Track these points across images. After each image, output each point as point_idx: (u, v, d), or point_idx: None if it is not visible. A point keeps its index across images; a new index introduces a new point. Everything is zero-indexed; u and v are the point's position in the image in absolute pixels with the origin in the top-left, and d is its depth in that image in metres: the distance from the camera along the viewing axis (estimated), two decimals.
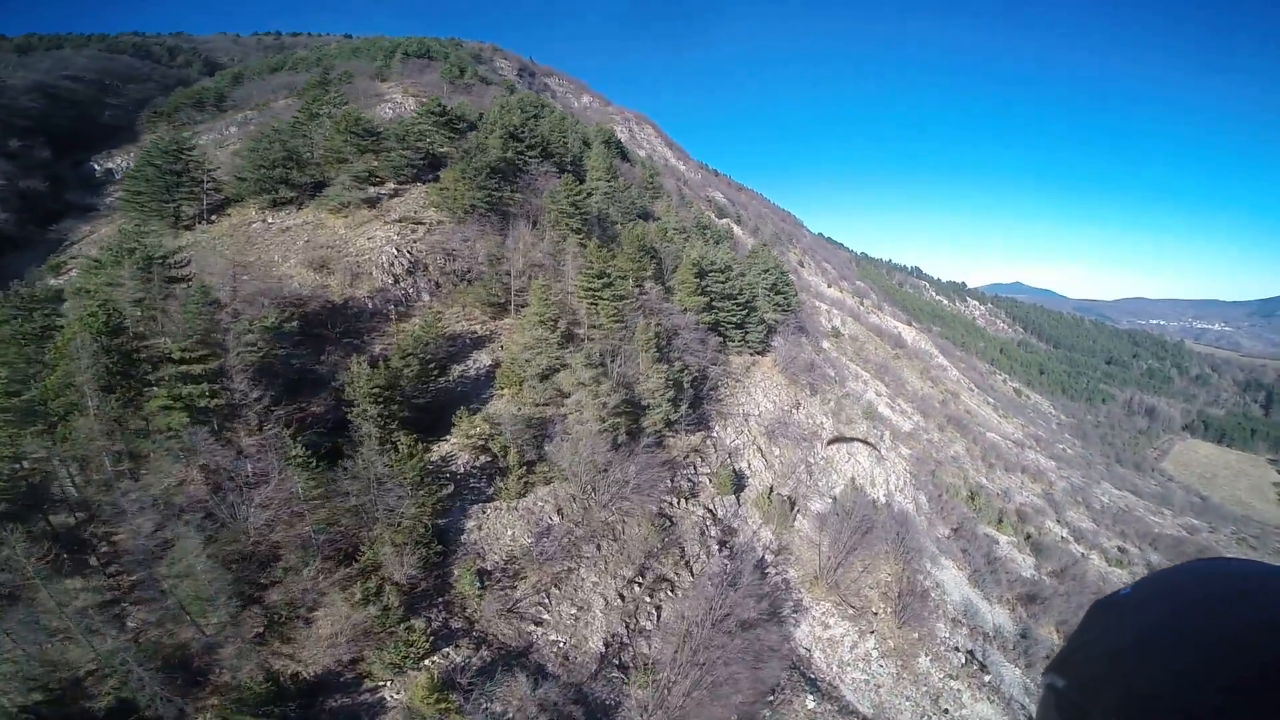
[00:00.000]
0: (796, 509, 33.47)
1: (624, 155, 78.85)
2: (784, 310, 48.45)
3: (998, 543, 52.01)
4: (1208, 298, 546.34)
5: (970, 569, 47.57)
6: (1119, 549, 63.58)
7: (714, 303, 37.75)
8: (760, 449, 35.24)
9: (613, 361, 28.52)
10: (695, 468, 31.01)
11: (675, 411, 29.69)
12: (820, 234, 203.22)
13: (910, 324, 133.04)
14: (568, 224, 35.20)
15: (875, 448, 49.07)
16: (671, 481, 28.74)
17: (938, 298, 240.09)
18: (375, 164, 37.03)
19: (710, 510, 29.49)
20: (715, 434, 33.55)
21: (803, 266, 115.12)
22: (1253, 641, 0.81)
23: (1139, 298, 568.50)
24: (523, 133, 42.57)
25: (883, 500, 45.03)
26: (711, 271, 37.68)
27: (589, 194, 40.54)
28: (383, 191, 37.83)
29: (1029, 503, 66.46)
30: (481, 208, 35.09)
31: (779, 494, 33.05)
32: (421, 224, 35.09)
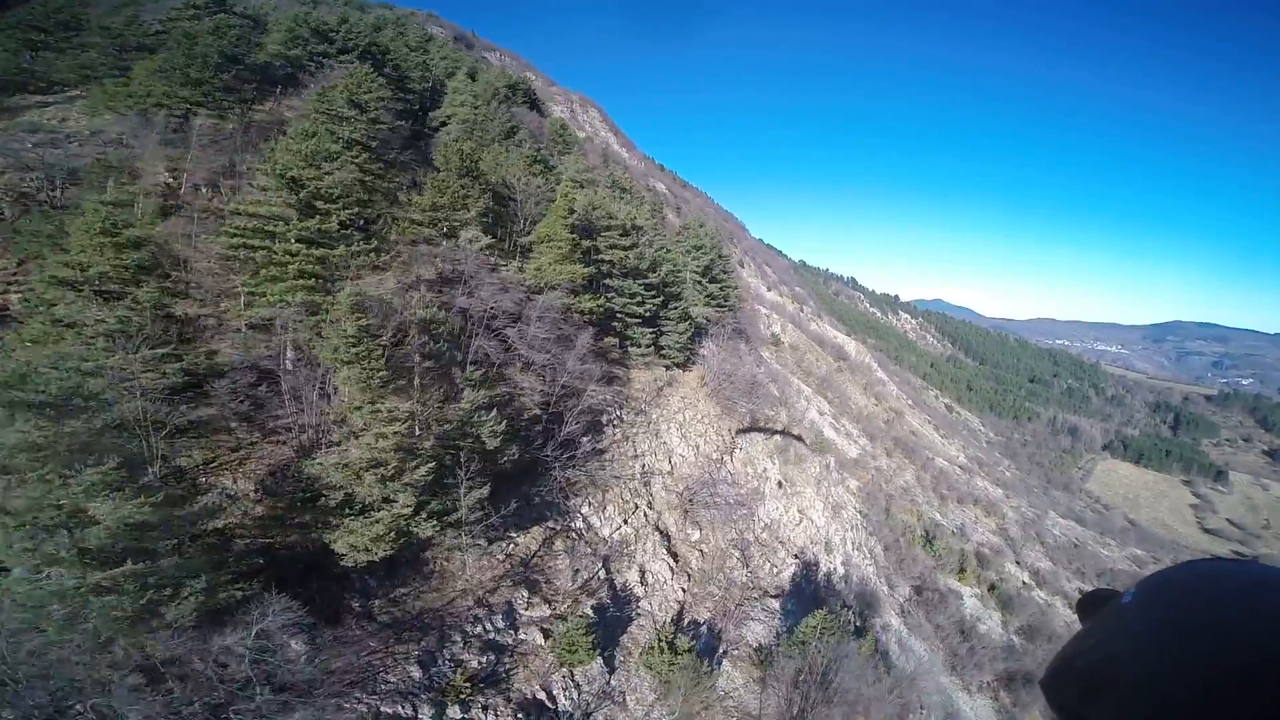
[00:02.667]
0: (721, 651, 20.47)
1: (536, 108, 65.53)
2: (721, 306, 36.31)
3: (962, 599, 46.08)
4: (1107, 321, 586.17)
5: (945, 649, 38.48)
6: (1080, 591, 57.79)
7: (607, 280, 24.80)
8: (667, 537, 22.57)
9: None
10: (513, 613, 16.35)
11: (447, 502, 14.70)
12: (760, 239, 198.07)
13: (850, 335, 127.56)
14: (329, 131, 20.88)
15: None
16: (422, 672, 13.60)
17: (871, 309, 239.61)
18: None
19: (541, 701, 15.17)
20: (580, 524, 20.28)
21: (743, 267, 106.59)
22: (1243, 639, 0.82)
23: (1049, 318, 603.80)
24: (335, 32, 28.34)
25: (840, 570, 34.14)
26: (607, 230, 24.68)
27: (410, 106, 26.65)
28: None
29: (987, 542, 60.36)
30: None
31: (692, 624, 20.26)
32: None
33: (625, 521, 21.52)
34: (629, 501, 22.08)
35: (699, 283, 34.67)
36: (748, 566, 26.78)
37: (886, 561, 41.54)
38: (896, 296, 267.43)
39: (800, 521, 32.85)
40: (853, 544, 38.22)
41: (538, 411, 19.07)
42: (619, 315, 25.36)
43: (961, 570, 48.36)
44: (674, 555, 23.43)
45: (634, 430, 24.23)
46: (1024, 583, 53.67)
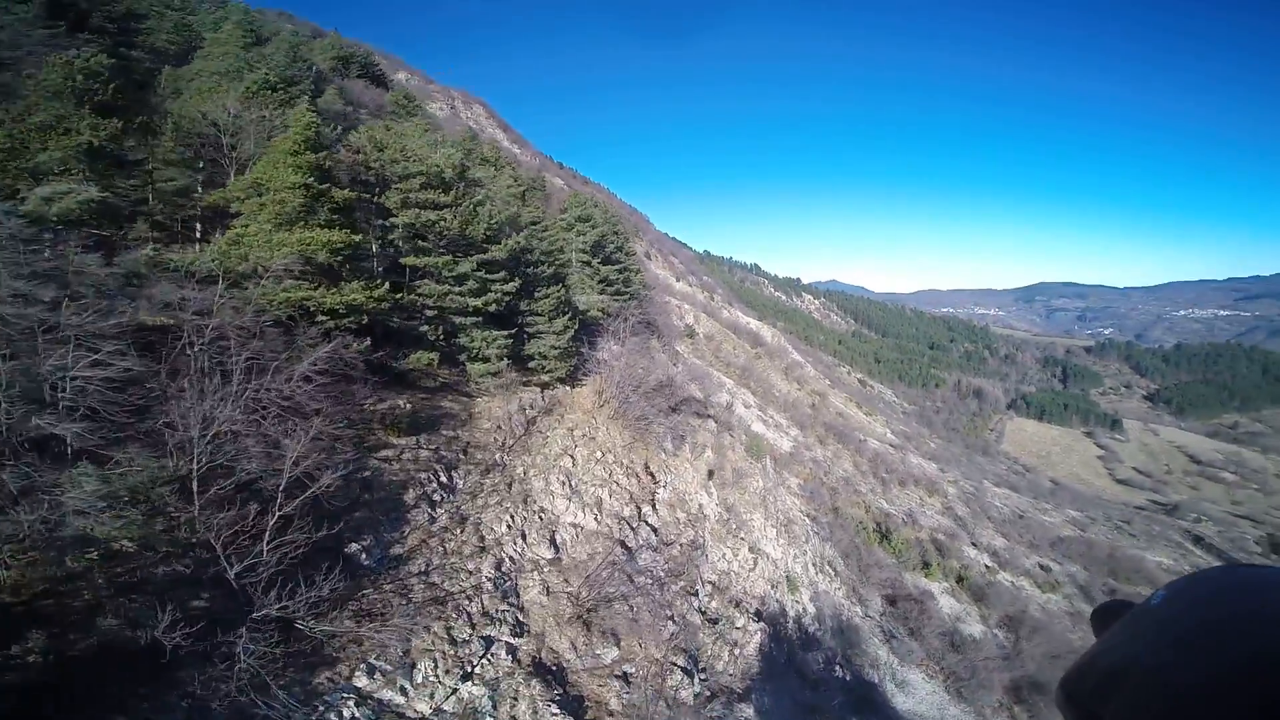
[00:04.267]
0: None
1: (378, 81, 54.18)
2: (620, 293, 26.89)
3: (935, 598, 40.32)
4: (983, 287, 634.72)
5: (942, 672, 31.77)
6: (1041, 567, 54.62)
7: (404, 259, 14.58)
8: (559, 676, 12.92)
9: None
10: None
11: None
12: (665, 232, 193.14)
13: (763, 320, 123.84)
14: None
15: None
16: None
17: (776, 294, 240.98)
18: None
19: None
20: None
21: (650, 259, 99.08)
22: (1256, 629, 0.79)
23: (932, 289, 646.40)
24: None
25: (810, 609, 26.47)
26: (404, 181, 14.42)
27: None
28: None
29: (939, 526, 55.54)
30: None
31: None
32: None
33: (468, 674, 11.45)
34: (470, 637, 12.10)
35: (588, 264, 25.05)
36: (698, 669, 17.45)
37: (850, 573, 35.22)
38: (798, 279, 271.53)
39: (754, 564, 24.22)
40: (814, 565, 30.79)
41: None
42: (434, 312, 15.12)
43: (926, 565, 43.87)
44: (579, 702, 13.66)
45: (477, 503, 14.22)
46: (986, 566, 49.26)
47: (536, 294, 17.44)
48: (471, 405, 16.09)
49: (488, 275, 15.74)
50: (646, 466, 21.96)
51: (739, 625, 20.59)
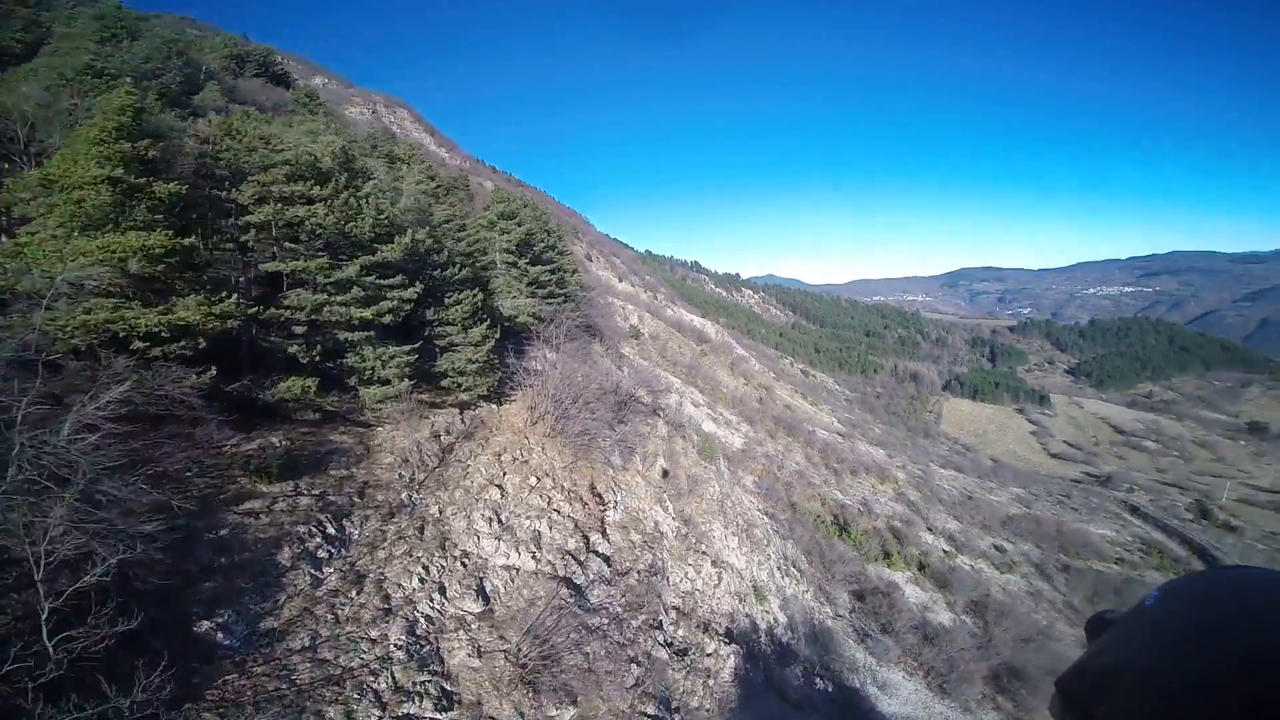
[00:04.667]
0: None
1: (280, 81, 50.10)
2: (554, 297, 24.46)
3: (901, 589, 39.84)
4: (910, 275, 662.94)
5: (921, 669, 30.90)
6: (996, 548, 55.46)
7: (265, 265, 11.68)
8: None
9: None
10: None
11: None
12: (605, 234, 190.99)
13: (706, 316, 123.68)
14: None
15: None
16: None
17: (717, 290, 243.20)
18: None
19: None
20: None
21: (591, 261, 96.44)
22: (1244, 630, 0.80)
23: (864, 279, 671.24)
24: None
25: (782, 618, 25.04)
26: (267, 172, 11.52)
27: None
28: None
29: (894, 513, 55.74)
30: None
31: None
32: None
33: None
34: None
35: (513, 264, 22.48)
36: (672, 712, 15.37)
37: (815, 570, 34.12)
38: (738, 275, 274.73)
39: (719, 579, 22.32)
40: (779, 569, 29.30)
41: None
42: (304, 328, 12.33)
43: (888, 555, 43.49)
44: None
45: (379, 555, 11.65)
46: (945, 551, 49.43)
47: (447, 300, 14.81)
48: (369, 437, 13.34)
49: (381, 281, 13.00)
50: (592, 487, 19.62)
51: (710, 651, 18.59)
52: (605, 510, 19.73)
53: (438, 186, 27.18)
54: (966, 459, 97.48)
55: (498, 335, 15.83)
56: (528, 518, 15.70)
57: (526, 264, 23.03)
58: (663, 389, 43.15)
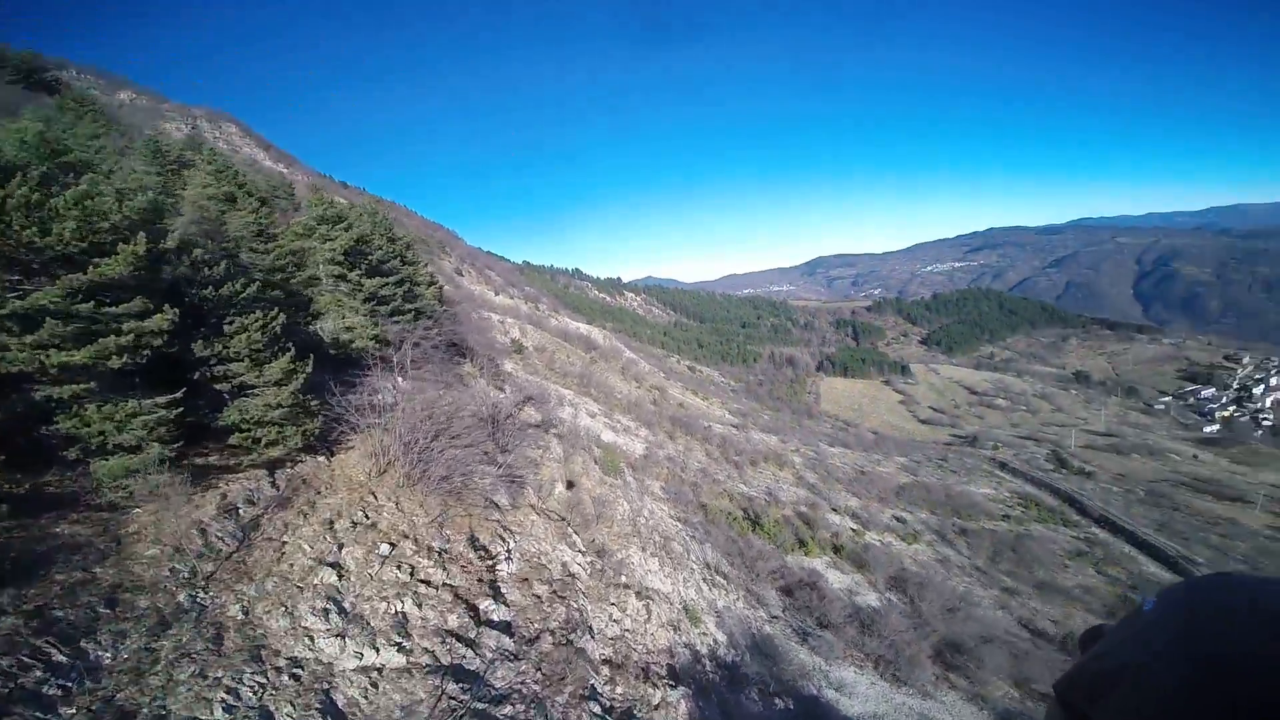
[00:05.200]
0: None
1: (45, 88, 41.24)
2: (402, 313, 20.36)
3: (821, 574, 39.13)
4: (774, 266, 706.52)
5: (869, 660, 29.54)
6: (897, 519, 57.48)
7: None
8: None
9: None
10: None
11: None
12: (478, 247, 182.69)
13: (592, 323, 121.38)
14: None
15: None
16: None
17: (600, 295, 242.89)
18: None
19: None
20: None
21: (462, 275, 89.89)
22: (1236, 633, 0.82)
23: (733, 274, 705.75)
24: None
25: (721, 637, 22.51)
26: None
27: None
28: None
29: (799, 498, 56.05)
30: None
31: None
32: None
33: None
34: None
35: (343, 278, 18.17)
36: None
37: (739, 572, 32.36)
38: (619, 279, 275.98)
39: (648, 612, 19.36)
40: (705, 581, 26.94)
41: None
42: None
43: (803, 543, 43.01)
44: None
45: (149, 685, 7.49)
46: (853, 529, 50.16)
47: (227, 327, 10.57)
48: (118, 524, 8.97)
49: (100, 308, 8.63)
50: (473, 540, 15.89)
51: (657, 703, 15.38)
52: (495, 564, 16.04)
53: (246, 193, 21.95)
54: (850, 434, 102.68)
55: (309, 368, 11.76)
56: (383, 599, 11.85)
57: (360, 276, 18.79)
58: (554, 403, 39.73)
